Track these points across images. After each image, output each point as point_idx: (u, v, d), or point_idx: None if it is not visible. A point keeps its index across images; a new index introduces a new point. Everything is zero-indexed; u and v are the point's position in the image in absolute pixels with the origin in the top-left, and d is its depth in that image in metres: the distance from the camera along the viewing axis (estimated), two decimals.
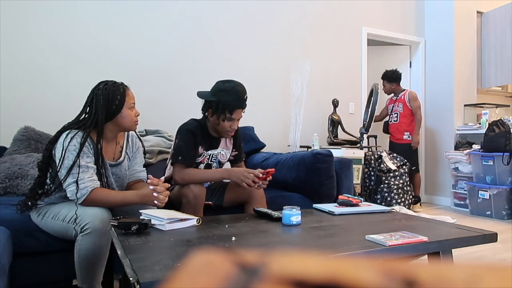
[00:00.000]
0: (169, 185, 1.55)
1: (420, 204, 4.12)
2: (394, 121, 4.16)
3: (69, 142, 1.46)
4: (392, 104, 4.18)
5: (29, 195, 1.53)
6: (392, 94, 4.21)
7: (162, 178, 1.53)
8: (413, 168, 4.00)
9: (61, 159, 1.45)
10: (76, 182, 1.44)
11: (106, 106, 1.52)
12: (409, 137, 4.06)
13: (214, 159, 1.95)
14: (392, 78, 4.10)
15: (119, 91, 1.55)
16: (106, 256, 1.45)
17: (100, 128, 1.52)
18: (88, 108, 1.55)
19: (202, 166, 1.92)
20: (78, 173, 1.44)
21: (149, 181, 1.48)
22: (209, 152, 1.92)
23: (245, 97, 1.84)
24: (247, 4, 3.57)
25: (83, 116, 1.56)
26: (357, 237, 1.29)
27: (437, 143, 4.56)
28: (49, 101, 2.73)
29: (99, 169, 1.53)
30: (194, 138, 1.83)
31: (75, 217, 1.41)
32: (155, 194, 1.44)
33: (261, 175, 1.73)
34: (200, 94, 1.88)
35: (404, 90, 4.14)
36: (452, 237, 1.29)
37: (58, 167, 1.46)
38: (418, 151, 4.16)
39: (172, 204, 1.74)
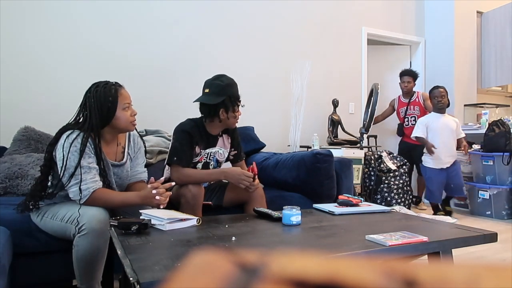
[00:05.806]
0: (172, 184, 1.55)
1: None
2: (412, 124, 4.13)
3: (70, 143, 1.45)
4: (405, 107, 4.15)
5: (30, 196, 1.53)
6: (399, 96, 4.20)
7: (163, 179, 1.53)
8: None
9: (63, 161, 1.44)
10: (79, 183, 1.44)
11: (100, 110, 1.50)
12: None
13: (212, 158, 1.94)
14: (416, 77, 4.12)
15: (111, 92, 1.53)
16: (104, 257, 1.44)
17: (96, 133, 1.51)
18: (83, 111, 1.53)
19: (200, 165, 1.91)
20: (81, 174, 1.44)
21: (149, 185, 1.48)
22: (207, 151, 1.92)
23: None
24: (247, 4, 3.57)
25: (80, 118, 1.54)
26: (357, 237, 1.29)
27: None
28: (49, 101, 2.73)
29: (100, 168, 1.52)
30: (189, 138, 1.82)
31: (74, 217, 1.41)
32: (154, 191, 1.44)
33: (251, 177, 1.76)
34: (207, 100, 1.82)
35: (415, 92, 4.15)
36: (452, 237, 1.29)
37: (60, 169, 1.45)
38: None
39: (171, 204, 1.74)
